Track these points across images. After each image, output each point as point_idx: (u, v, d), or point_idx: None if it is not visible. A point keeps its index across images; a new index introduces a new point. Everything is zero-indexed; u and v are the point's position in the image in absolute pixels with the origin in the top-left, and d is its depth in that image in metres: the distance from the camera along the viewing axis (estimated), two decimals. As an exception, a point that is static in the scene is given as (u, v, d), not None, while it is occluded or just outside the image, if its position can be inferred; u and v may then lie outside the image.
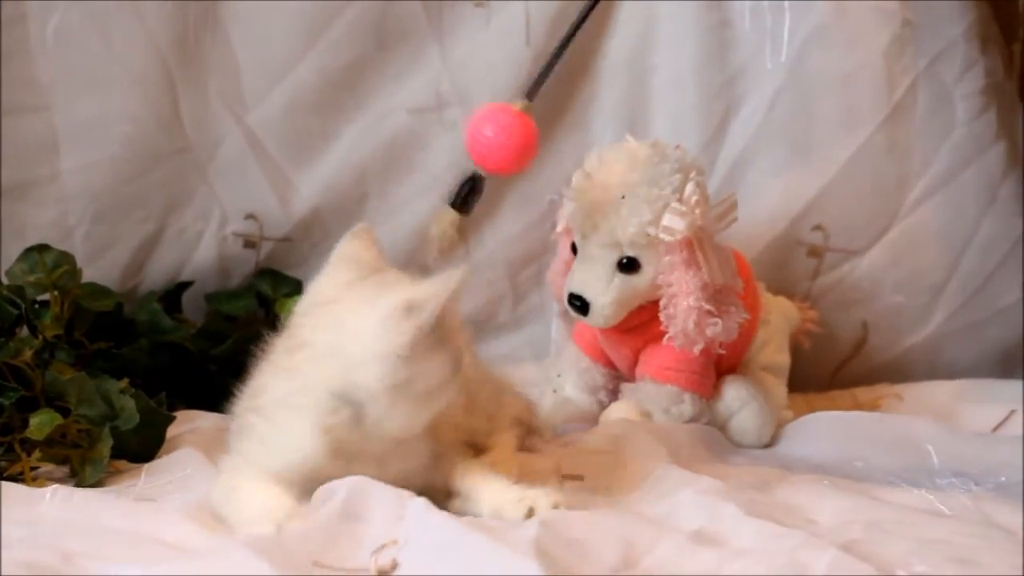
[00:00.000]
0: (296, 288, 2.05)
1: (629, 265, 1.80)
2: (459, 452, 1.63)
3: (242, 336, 1.87)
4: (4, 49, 2.01)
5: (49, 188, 2.04)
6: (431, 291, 1.39)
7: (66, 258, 1.83)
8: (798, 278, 2.12)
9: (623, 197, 1.78)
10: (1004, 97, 2.14)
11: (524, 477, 1.60)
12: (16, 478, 1.57)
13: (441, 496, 1.47)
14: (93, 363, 1.82)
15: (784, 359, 1.96)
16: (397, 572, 1.29)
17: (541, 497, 1.43)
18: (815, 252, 2.12)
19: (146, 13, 2.03)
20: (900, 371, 2.12)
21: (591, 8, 1.90)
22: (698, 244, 1.77)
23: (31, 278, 1.81)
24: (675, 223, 1.76)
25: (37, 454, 1.61)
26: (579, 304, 1.82)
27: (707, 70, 2.12)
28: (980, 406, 1.96)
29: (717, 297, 1.77)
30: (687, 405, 1.82)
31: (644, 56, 2.13)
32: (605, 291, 1.81)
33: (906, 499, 1.58)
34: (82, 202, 2.05)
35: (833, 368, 2.14)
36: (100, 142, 2.04)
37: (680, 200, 1.77)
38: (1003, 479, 1.64)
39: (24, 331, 1.74)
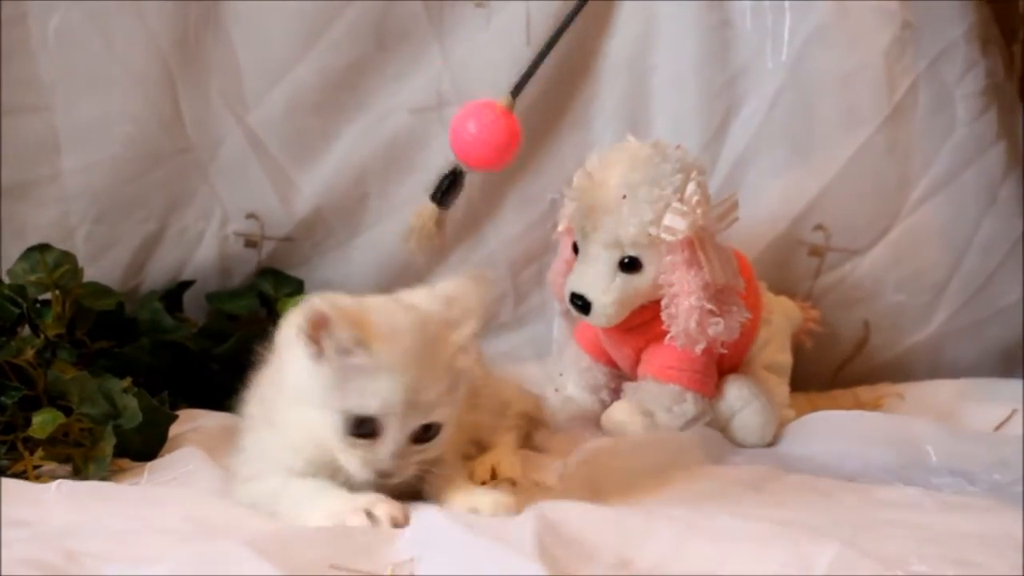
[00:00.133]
0: (298, 287, 2.05)
1: (631, 265, 1.80)
2: (463, 448, 1.64)
3: (244, 335, 1.88)
4: (5, 49, 2.01)
5: (50, 188, 2.04)
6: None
7: (68, 257, 1.83)
8: (800, 277, 2.12)
9: (624, 197, 1.78)
10: (1004, 97, 2.14)
11: (527, 475, 1.62)
12: (19, 477, 1.57)
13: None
14: (95, 362, 1.82)
15: (786, 358, 1.96)
16: (413, 570, 1.30)
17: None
18: (816, 252, 2.13)
19: (147, 13, 2.03)
20: (902, 370, 2.12)
21: (579, 8, 1.91)
22: (699, 244, 1.77)
23: (33, 277, 1.81)
24: (676, 223, 1.76)
25: (40, 453, 1.61)
26: (581, 303, 1.82)
27: (708, 70, 2.12)
28: (982, 405, 1.96)
29: (719, 297, 1.77)
30: (689, 404, 1.82)
31: (645, 56, 2.14)
32: (607, 290, 1.81)
33: (904, 498, 1.59)
34: (83, 202, 2.05)
35: (835, 367, 2.14)
36: (101, 142, 2.04)
37: (681, 200, 1.78)
38: (999, 478, 1.65)
39: (26, 330, 1.74)
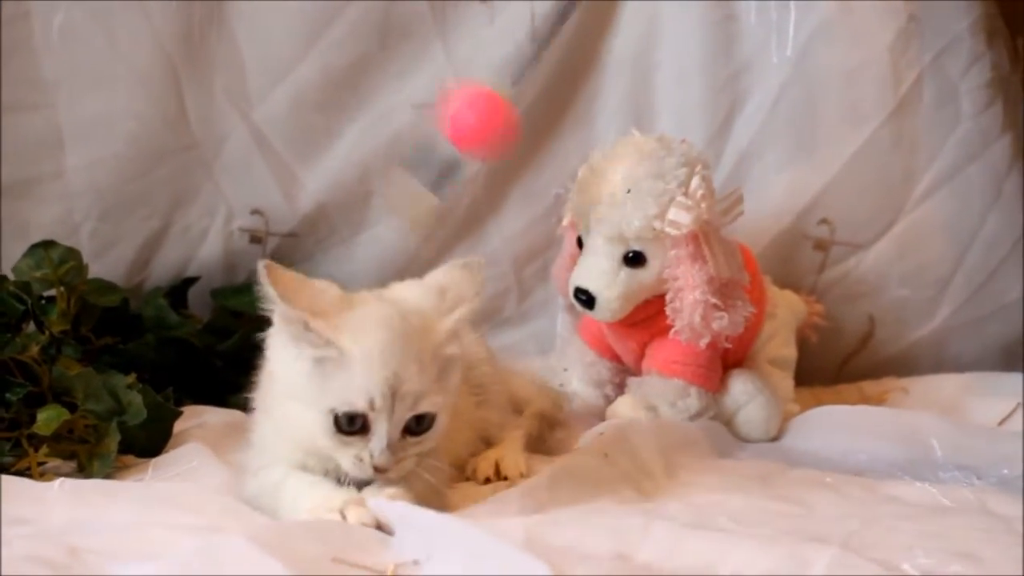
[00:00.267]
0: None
1: (635, 259, 1.80)
2: (472, 447, 1.64)
3: (248, 331, 1.87)
4: (8, 46, 2.01)
5: (54, 185, 2.04)
6: None
7: (72, 254, 1.83)
8: (804, 272, 2.12)
9: (629, 191, 1.78)
10: (1010, 91, 2.14)
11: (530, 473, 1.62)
12: (24, 473, 1.58)
13: None
14: (100, 359, 1.82)
15: (790, 353, 1.96)
16: (416, 571, 1.30)
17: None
18: (821, 246, 2.12)
19: (151, 11, 2.04)
20: (906, 364, 2.12)
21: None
22: (704, 238, 1.77)
23: (38, 274, 1.81)
24: (681, 217, 1.76)
25: (45, 449, 1.61)
26: (585, 298, 1.82)
27: (712, 65, 2.12)
28: (986, 399, 1.96)
29: (723, 291, 1.77)
30: (693, 399, 1.82)
31: (649, 52, 2.14)
32: (611, 285, 1.81)
33: (909, 492, 1.59)
34: (88, 199, 2.05)
35: (839, 361, 2.14)
36: (105, 139, 2.05)
37: (686, 194, 1.77)
38: (1006, 472, 1.64)
39: (31, 327, 1.74)
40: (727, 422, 1.84)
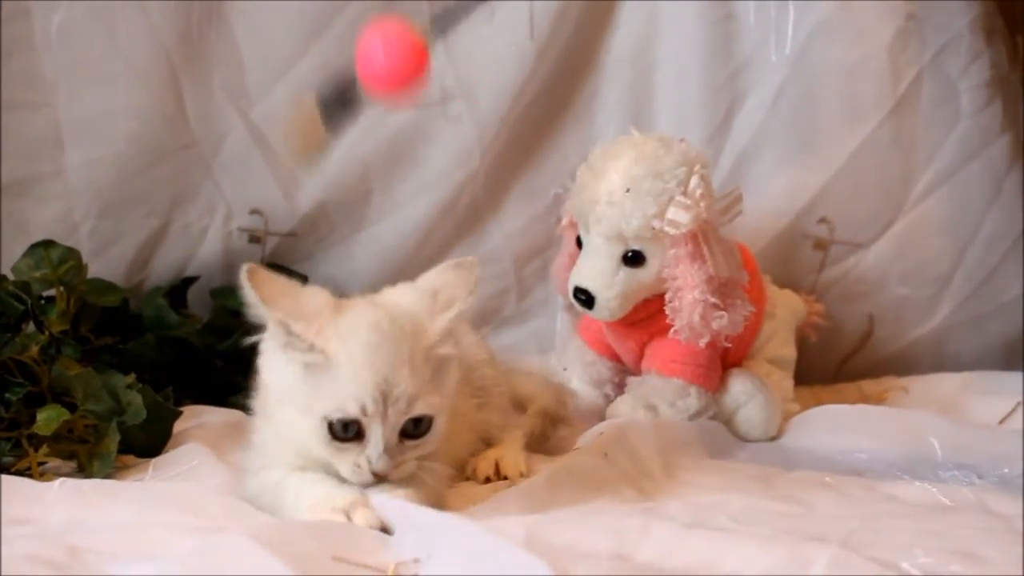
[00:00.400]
0: (301, 283, 2.05)
1: (634, 258, 1.80)
2: (474, 447, 1.63)
3: (248, 331, 1.87)
4: (8, 45, 2.01)
5: (54, 184, 2.04)
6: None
7: (72, 254, 1.83)
8: (804, 271, 2.12)
9: (628, 191, 1.78)
10: (1009, 89, 2.14)
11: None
12: (24, 473, 1.58)
13: None
14: (99, 358, 1.82)
15: (790, 352, 1.96)
16: (417, 570, 1.30)
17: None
18: (821, 245, 2.12)
19: (150, 9, 2.03)
20: (906, 363, 2.12)
21: None
22: (703, 237, 1.77)
23: (37, 274, 1.81)
24: (680, 216, 1.76)
25: (44, 449, 1.61)
26: (584, 298, 1.82)
27: (711, 64, 2.12)
28: (986, 398, 1.96)
29: (722, 290, 1.77)
30: (693, 398, 1.82)
31: (648, 50, 2.14)
32: (610, 284, 1.81)
33: (909, 491, 1.59)
34: (87, 198, 2.05)
35: (839, 361, 2.14)
36: (104, 138, 2.05)
37: (685, 193, 1.77)
38: (1006, 471, 1.65)
39: (30, 327, 1.74)
40: (727, 421, 1.84)
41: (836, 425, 1.82)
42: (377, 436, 1.40)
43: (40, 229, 1.98)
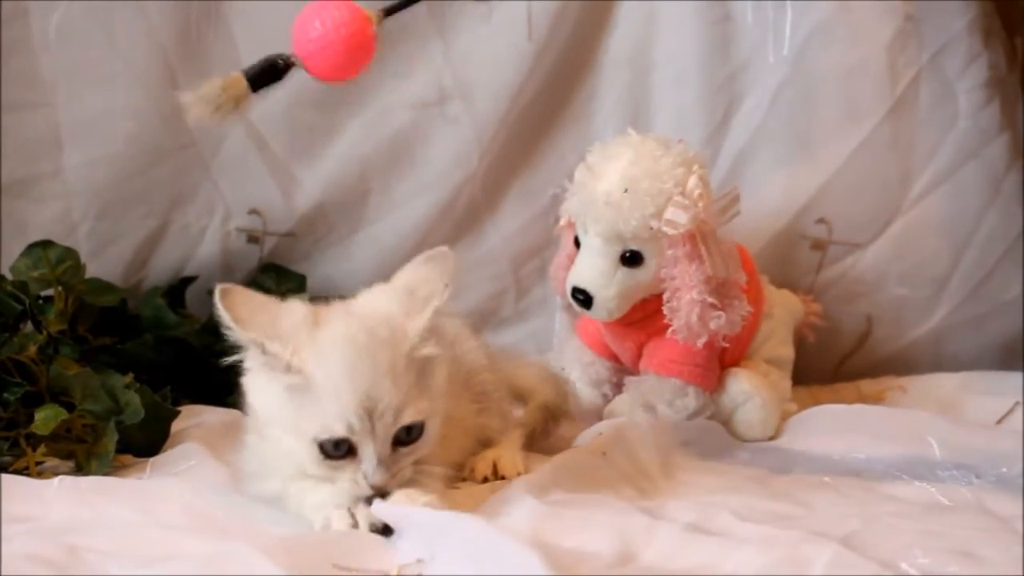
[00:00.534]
0: (300, 283, 2.06)
1: (632, 259, 1.80)
2: (472, 449, 1.63)
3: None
4: (6, 45, 2.01)
5: (52, 184, 2.04)
6: None
7: (70, 254, 1.84)
8: (802, 271, 2.12)
9: (626, 191, 1.78)
10: (1007, 90, 2.14)
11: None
12: (22, 473, 1.58)
13: None
14: (97, 358, 1.82)
15: (788, 352, 1.96)
16: (420, 570, 1.30)
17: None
18: (819, 245, 2.12)
19: (149, 9, 2.03)
20: (904, 363, 2.12)
21: None
22: (701, 238, 1.77)
23: (35, 274, 1.81)
24: (678, 216, 1.76)
25: (43, 449, 1.61)
26: (582, 298, 1.82)
27: (710, 65, 2.12)
28: (984, 398, 1.96)
29: (720, 290, 1.77)
30: (691, 398, 1.82)
31: (646, 51, 2.14)
32: (608, 285, 1.81)
33: (908, 491, 1.59)
34: (85, 198, 2.05)
35: (837, 361, 2.14)
36: (103, 138, 2.05)
37: (683, 193, 1.77)
38: (1005, 471, 1.64)
39: (28, 327, 1.74)
40: (725, 422, 1.84)
41: (834, 425, 1.82)
42: (369, 452, 1.39)
43: (38, 229, 1.99)
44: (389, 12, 1.58)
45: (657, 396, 1.82)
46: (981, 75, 2.11)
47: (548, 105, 2.13)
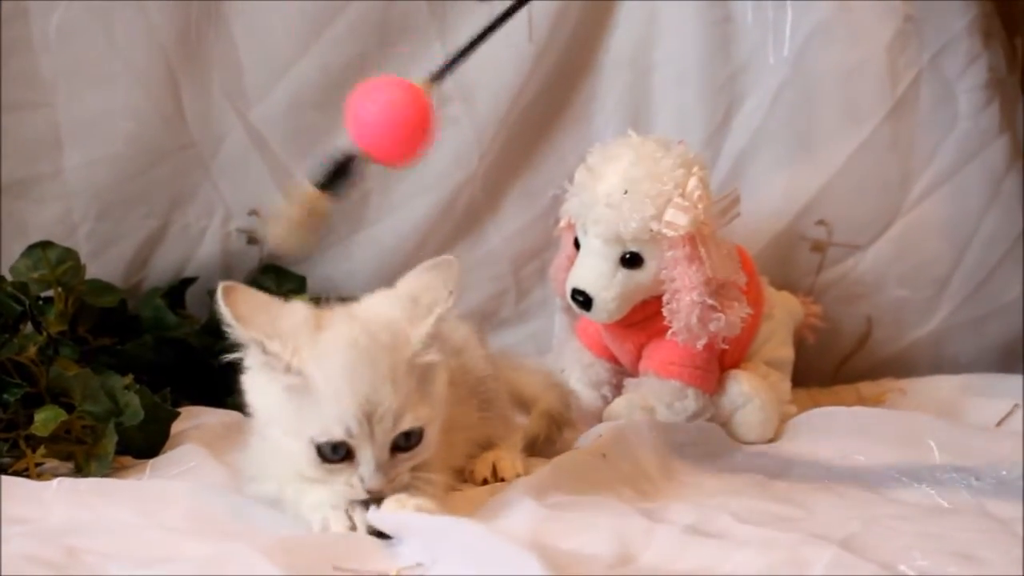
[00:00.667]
0: (300, 284, 2.05)
1: (632, 260, 1.80)
2: (472, 454, 1.63)
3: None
4: (6, 45, 2.01)
5: (52, 185, 2.04)
6: None
7: (70, 254, 1.84)
8: (802, 273, 2.12)
9: (626, 192, 1.78)
10: (1007, 91, 2.14)
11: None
12: (21, 474, 1.58)
13: None
14: (97, 359, 1.82)
15: (788, 354, 1.96)
16: (421, 571, 1.30)
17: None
18: (818, 247, 2.12)
19: (149, 9, 2.03)
20: (904, 365, 2.12)
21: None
22: (701, 239, 1.77)
23: (35, 275, 1.81)
24: (678, 218, 1.76)
25: (42, 450, 1.61)
26: (582, 299, 1.82)
27: (710, 66, 2.12)
28: (984, 400, 1.96)
29: (720, 292, 1.77)
30: (690, 400, 1.82)
31: (646, 52, 2.14)
32: (608, 286, 1.81)
33: (907, 494, 1.59)
34: (85, 199, 2.05)
35: (837, 363, 2.14)
36: (103, 139, 2.05)
37: (683, 195, 1.77)
38: (1004, 473, 1.64)
39: (28, 327, 1.74)
40: (724, 423, 1.84)
41: (834, 427, 1.82)
42: (367, 456, 1.38)
43: (39, 230, 1.98)
44: (436, 78, 1.54)
45: (657, 398, 1.82)
46: (981, 76, 2.11)
47: (548, 106, 2.13)
